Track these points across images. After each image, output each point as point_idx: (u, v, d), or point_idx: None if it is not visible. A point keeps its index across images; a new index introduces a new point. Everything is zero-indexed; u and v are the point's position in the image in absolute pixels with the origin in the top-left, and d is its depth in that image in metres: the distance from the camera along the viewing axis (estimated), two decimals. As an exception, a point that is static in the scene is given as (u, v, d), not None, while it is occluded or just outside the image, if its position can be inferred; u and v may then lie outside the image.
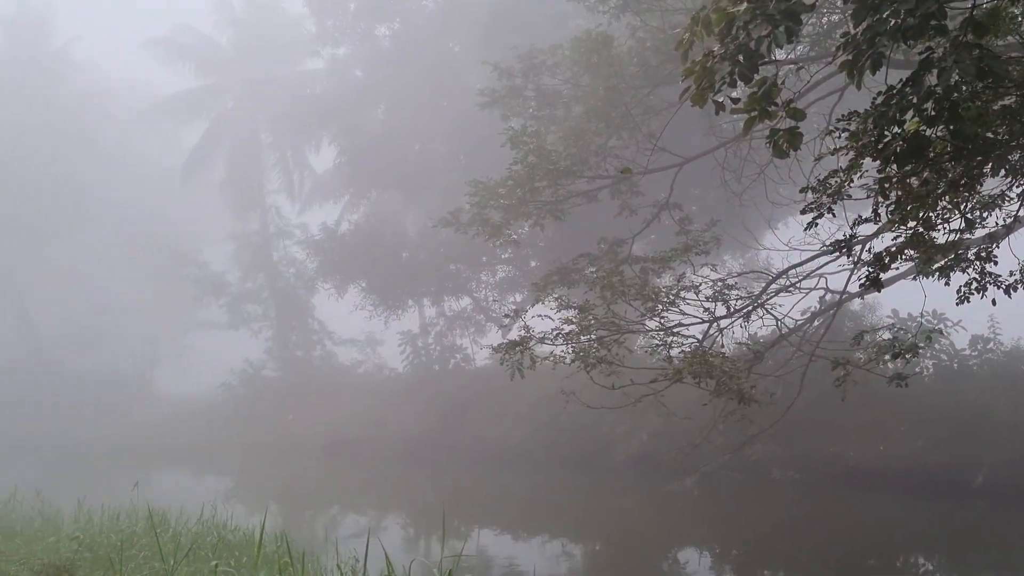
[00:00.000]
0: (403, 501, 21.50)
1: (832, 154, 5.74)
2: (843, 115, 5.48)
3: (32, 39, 42.54)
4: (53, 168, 40.77)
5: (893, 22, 4.55)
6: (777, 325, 11.86)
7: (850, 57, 4.81)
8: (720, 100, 5.94)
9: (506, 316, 13.36)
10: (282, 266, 36.73)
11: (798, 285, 11.86)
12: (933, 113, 4.72)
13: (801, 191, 6.40)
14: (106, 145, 42.82)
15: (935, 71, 4.51)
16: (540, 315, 11.35)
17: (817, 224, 6.49)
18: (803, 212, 6.38)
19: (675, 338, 10.59)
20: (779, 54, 7.02)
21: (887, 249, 6.35)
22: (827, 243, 7.76)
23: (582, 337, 10.53)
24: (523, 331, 10.90)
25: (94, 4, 58.08)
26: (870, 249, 8.39)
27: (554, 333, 10.90)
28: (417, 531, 17.51)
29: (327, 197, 35.92)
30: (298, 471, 26.71)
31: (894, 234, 6.30)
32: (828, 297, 12.69)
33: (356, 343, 35.65)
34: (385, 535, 16.46)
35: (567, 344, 10.62)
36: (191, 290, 37.18)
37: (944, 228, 6.56)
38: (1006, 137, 5.62)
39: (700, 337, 11.26)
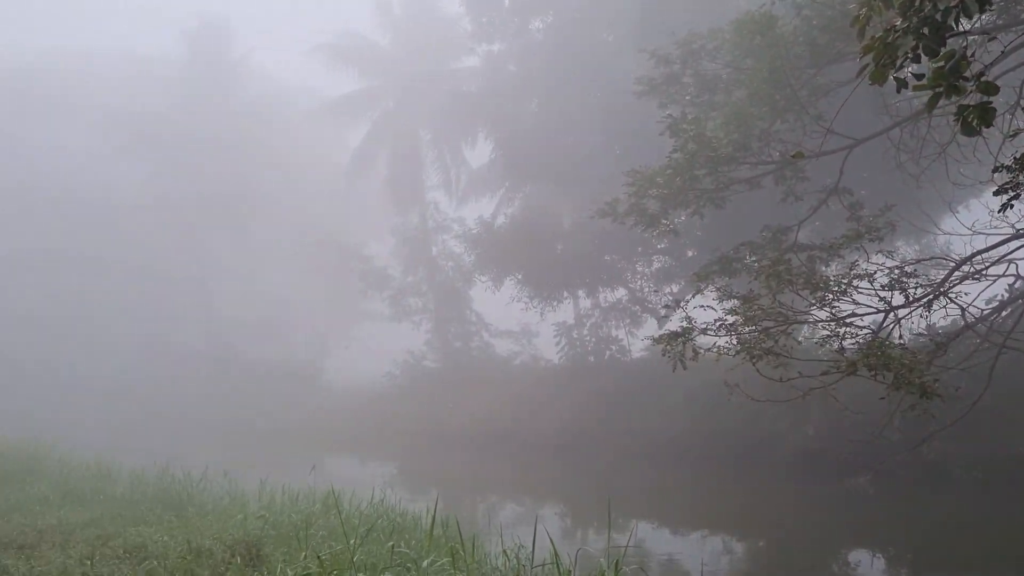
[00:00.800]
0: (559, 491, 21.63)
1: (1029, 129, 5.31)
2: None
3: (212, 51, 45.80)
4: (231, 171, 43.81)
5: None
6: (962, 315, 11.07)
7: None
8: (902, 77, 5.62)
9: (665, 307, 13.13)
10: (441, 260, 37.78)
11: (985, 272, 11.02)
12: None
13: (995, 170, 5.94)
14: (278, 148, 45.57)
15: None
16: (701, 306, 11.11)
17: (1012, 206, 6.01)
18: (996, 193, 5.92)
19: (848, 329, 10.10)
20: (965, 24, 6.55)
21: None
22: (1019, 227, 7.18)
23: (747, 328, 10.22)
24: (684, 322, 10.71)
25: (268, 16, 61.79)
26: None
27: (717, 324, 10.65)
28: (574, 522, 17.58)
29: (483, 191, 36.65)
30: (457, 459, 27.37)
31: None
32: (1019, 285, 11.74)
33: (512, 334, 36.18)
34: (542, 524, 16.65)
35: (730, 335, 10.34)
36: (357, 284, 38.87)
37: None
38: None
39: (874, 328, 10.69)
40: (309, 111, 41.08)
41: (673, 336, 10.74)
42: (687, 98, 13.97)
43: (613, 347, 29.90)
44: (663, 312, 27.66)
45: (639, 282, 28.95)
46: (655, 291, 28.12)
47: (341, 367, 43.94)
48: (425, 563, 6.15)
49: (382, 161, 39.61)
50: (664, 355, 10.84)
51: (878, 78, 5.48)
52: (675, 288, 27.28)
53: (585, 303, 31.17)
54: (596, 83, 26.03)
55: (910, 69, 5.63)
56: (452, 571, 6.08)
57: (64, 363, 41.38)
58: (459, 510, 17.74)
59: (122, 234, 44.31)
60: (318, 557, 6.28)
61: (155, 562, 7.31)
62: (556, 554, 6.09)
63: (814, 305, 10.75)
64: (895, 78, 5.59)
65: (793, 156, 9.05)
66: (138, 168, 45.52)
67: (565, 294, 30.49)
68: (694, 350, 10.55)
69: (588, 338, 30.57)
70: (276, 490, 12.65)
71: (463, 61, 37.49)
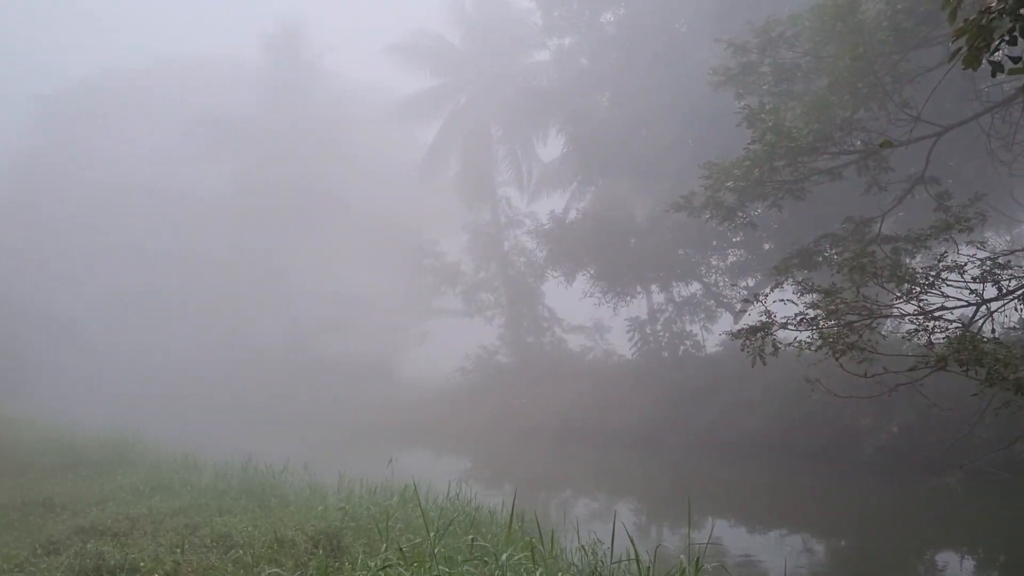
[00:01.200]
0: (634, 487, 21.50)
1: None
2: None
3: (288, 53, 46.87)
4: (307, 170, 44.77)
5: None
6: (1058, 308, 10.56)
7: None
8: (997, 60, 5.38)
9: (744, 300, 12.88)
10: (513, 255, 37.86)
11: (1086, 264, 10.50)
12: None
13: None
14: (353, 147, 46.40)
15: None
16: (781, 300, 10.86)
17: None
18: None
19: (936, 323, 9.74)
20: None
21: None
22: None
23: (829, 322, 9.95)
24: (764, 316, 10.48)
25: (342, 17, 62.91)
26: None
27: (797, 318, 10.40)
28: (649, 518, 17.43)
29: (555, 186, 36.59)
30: (530, 454, 27.42)
31: None
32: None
33: (585, 330, 36.08)
34: (619, 519, 16.56)
35: (812, 330, 10.08)
36: (430, 280, 39.28)
37: None
38: None
39: (964, 322, 10.29)
40: (382, 110, 41.64)
41: (753, 331, 10.52)
42: (765, 88, 13.64)
43: (687, 342, 29.53)
44: (739, 307, 27.35)
45: (714, 276, 28.52)
46: (731, 285, 27.65)
47: (415, 362, 44.50)
48: (504, 557, 6.16)
49: (454, 158, 39.89)
50: (743, 350, 10.63)
51: (971, 62, 5.26)
52: (751, 282, 26.78)
53: (658, 298, 30.87)
54: (669, 75, 25.69)
55: (1005, 52, 5.40)
56: (531, 566, 6.09)
57: (148, 357, 42.94)
58: (533, 505, 17.78)
59: (205, 233, 45.78)
60: (400, 549, 6.35)
61: (241, 551, 7.50)
62: (635, 550, 6.03)
63: (900, 298, 10.41)
64: (989, 61, 5.36)
65: (880, 145, 8.74)
66: (221, 169, 46.98)
67: (638, 289, 30.23)
68: (774, 345, 10.33)
69: (662, 333, 30.25)
70: (354, 483, 12.83)
71: (534, 56, 37.54)
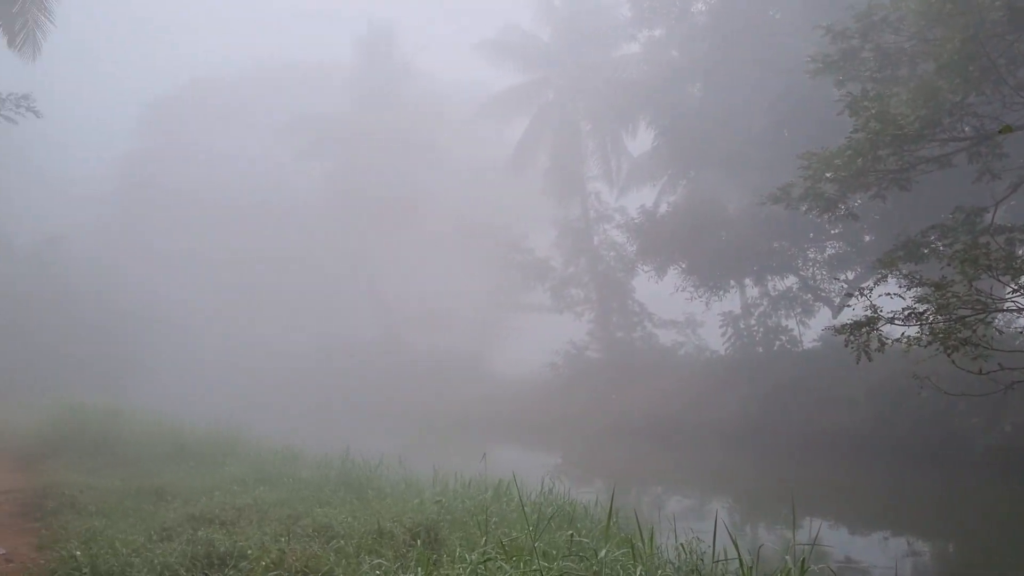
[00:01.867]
0: (727, 485, 21.08)
1: None
2: None
3: (380, 54, 47.74)
4: (398, 168, 45.54)
5: None
6: None
7: None
8: None
9: (847, 295, 12.45)
10: (602, 250, 37.64)
11: None
12: None
13: None
14: (441, 145, 46.96)
15: None
16: (887, 293, 10.44)
17: None
18: None
19: (1058, 317, 9.22)
20: None
21: None
22: None
23: (940, 317, 9.52)
24: (868, 311, 10.10)
25: (432, 18, 63.74)
26: None
27: (905, 313, 9.98)
28: (744, 516, 17.05)
29: (644, 180, 36.21)
30: (621, 450, 27.22)
31: None
32: None
33: (676, 324, 35.60)
34: (712, 518, 16.26)
35: (921, 325, 9.66)
36: (519, 275, 39.39)
37: None
38: None
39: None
40: (472, 108, 41.99)
41: (857, 326, 10.16)
42: (867, 74, 13.14)
43: (783, 337, 28.76)
44: (838, 300, 26.50)
45: (811, 269, 27.69)
46: (830, 279, 26.83)
47: (505, 358, 44.73)
48: (602, 553, 6.11)
49: (543, 153, 39.92)
50: (847, 346, 10.27)
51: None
52: (850, 275, 25.94)
53: (752, 292, 30.19)
54: (763, 64, 25.08)
55: None
56: (631, 563, 6.01)
57: (246, 353, 44.43)
58: (625, 501, 17.64)
59: (299, 232, 47.09)
60: (501, 543, 6.37)
61: (342, 541, 7.65)
62: (738, 550, 5.89)
63: (1016, 291, 9.89)
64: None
65: (1000, 131, 8.32)
66: (314, 169, 48.27)
67: (731, 283, 29.64)
68: (880, 340, 9.94)
69: (756, 328, 29.56)
70: (448, 477, 12.93)
71: (623, 49, 37.20)
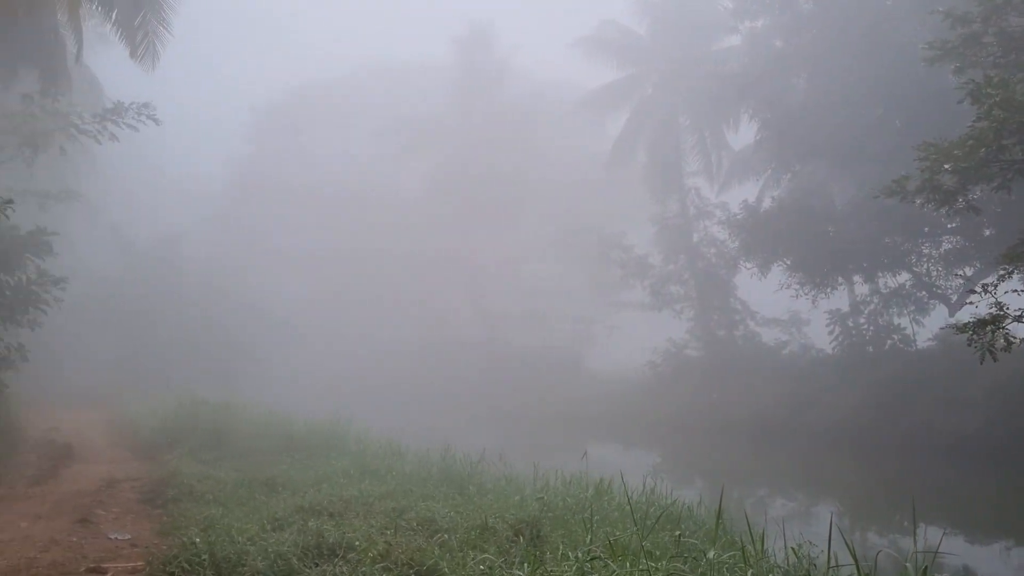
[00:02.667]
0: (834, 488, 20.39)
1: None
2: None
3: (479, 53, 48.17)
4: (495, 167, 45.89)
5: None
6: None
7: None
8: None
9: (969, 291, 11.84)
10: (703, 247, 36.94)
11: None
12: None
13: None
14: (539, 143, 47.08)
15: None
16: (1013, 290, 9.87)
17: None
18: None
19: None
20: None
21: None
22: None
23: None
24: (993, 308, 9.57)
25: (529, 15, 64.02)
26: None
27: (1034, 310, 9.43)
28: (854, 521, 16.44)
29: (746, 175, 35.39)
30: (722, 450, 26.69)
31: None
32: None
33: (780, 323, 34.67)
34: (820, 522, 15.75)
35: (1052, 323, 9.10)
36: (617, 272, 39.06)
37: None
38: None
39: None
40: (569, 104, 41.91)
41: (981, 324, 9.64)
42: (990, 60, 12.47)
43: (895, 336, 27.63)
44: (956, 298, 25.29)
45: (925, 265, 26.51)
46: (947, 275, 25.62)
47: (603, 355, 44.50)
48: (711, 554, 5.97)
49: (641, 149, 39.50)
50: (970, 345, 9.76)
51: None
52: (969, 271, 24.71)
53: (862, 289, 29.10)
54: (873, 52, 24.14)
55: None
56: (742, 565, 5.86)
57: (348, 350, 45.60)
58: (728, 503, 17.24)
59: (399, 230, 48.01)
60: (608, 542, 6.31)
61: (446, 536, 7.73)
62: (854, 556, 5.65)
63: None
64: None
65: None
66: (413, 168, 49.14)
67: (839, 280, 28.63)
68: (1007, 339, 9.41)
69: (866, 326, 28.49)
70: (549, 474, 12.91)
71: (723, 41, 36.48)
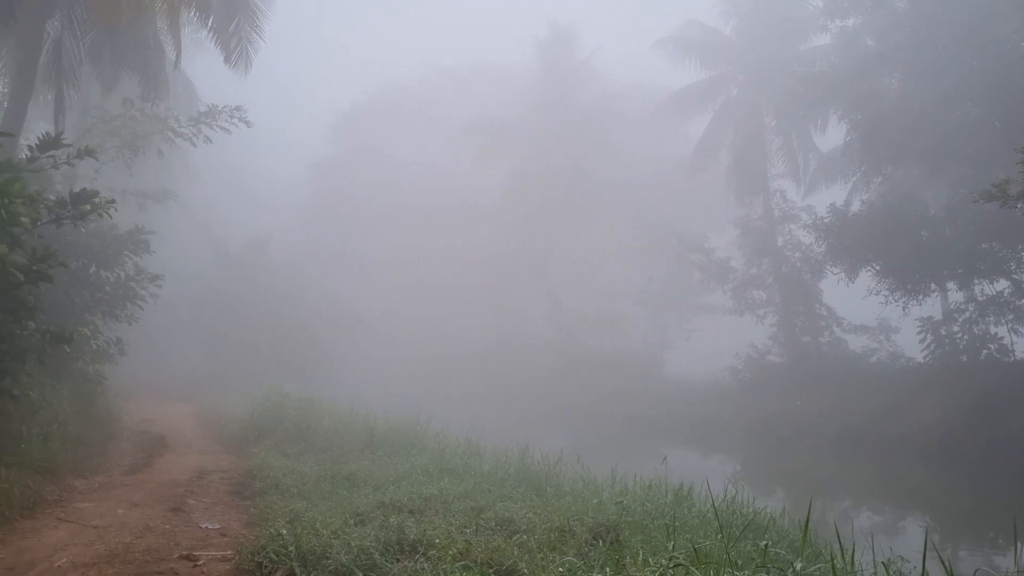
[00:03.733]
0: (924, 501, 19.62)
1: None
2: None
3: (561, 55, 48.24)
4: (575, 168, 45.84)
5: None
6: None
7: None
8: None
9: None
10: (787, 251, 36.11)
11: None
12: None
13: None
14: (619, 144, 46.81)
15: None
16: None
17: None
18: None
19: None
20: None
21: None
22: None
23: None
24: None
25: (611, 16, 63.75)
26: None
27: None
28: (945, 535, 15.82)
29: (834, 177, 34.46)
30: (804, 459, 25.99)
31: None
32: None
33: (868, 330, 33.63)
34: (909, 536, 15.20)
35: None
36: (697, 276, 38.52)
37: None
38: None
39: None
40: (651, 105, 41.56)
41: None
42: (1099, 56, 11.85)
43: (991, 346, 26.48)
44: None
45: (1026, 272, 25.38)
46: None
47: (682, 359, 43.92)
48: (798, 566, 5.82)
49: (724, 151, 38.92)
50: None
51: None
52: (1073, 280, 23.57)
53: (956, 296, 28.00)
54: (971, 50, 23.23)
55: None
56: (832, 578, 5.70)
57: (426, 348, 46.11)
58: (812, 513, 16.78)
59: (477, 230, 48.40)
60: (694, 548, 6.23)
61: (524, 536, 7.73)
62: (951, 574, 5.44)
63: None
64: None
65: None
66: (493, 169, 49.47)
67: (932, 287, 27.61)
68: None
69: (960, 335, 27.39)
70: (627, 478, 12.78)
71: (811, 41, 35.60)
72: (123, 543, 8.48)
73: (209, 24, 21.10)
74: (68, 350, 13.77)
